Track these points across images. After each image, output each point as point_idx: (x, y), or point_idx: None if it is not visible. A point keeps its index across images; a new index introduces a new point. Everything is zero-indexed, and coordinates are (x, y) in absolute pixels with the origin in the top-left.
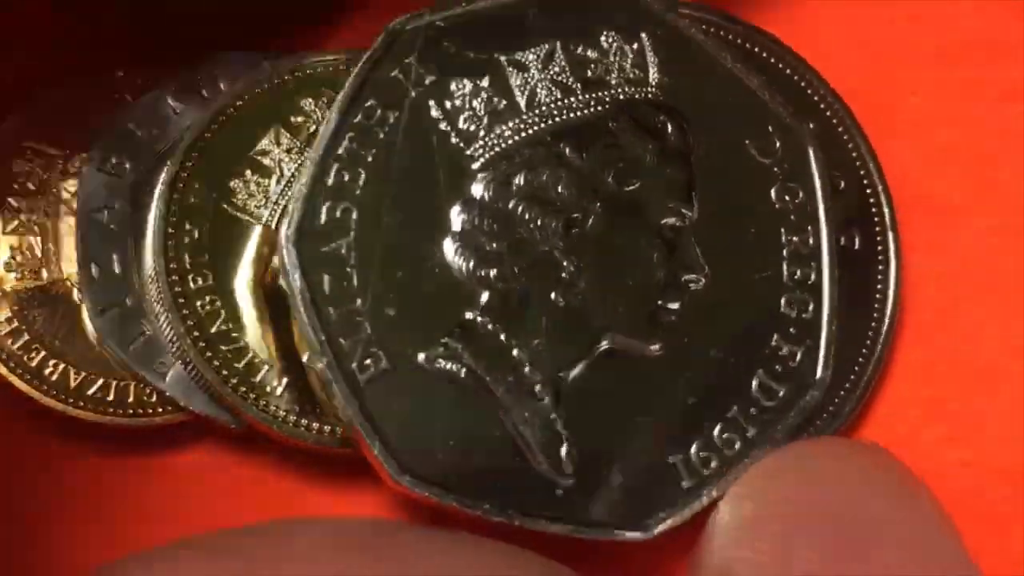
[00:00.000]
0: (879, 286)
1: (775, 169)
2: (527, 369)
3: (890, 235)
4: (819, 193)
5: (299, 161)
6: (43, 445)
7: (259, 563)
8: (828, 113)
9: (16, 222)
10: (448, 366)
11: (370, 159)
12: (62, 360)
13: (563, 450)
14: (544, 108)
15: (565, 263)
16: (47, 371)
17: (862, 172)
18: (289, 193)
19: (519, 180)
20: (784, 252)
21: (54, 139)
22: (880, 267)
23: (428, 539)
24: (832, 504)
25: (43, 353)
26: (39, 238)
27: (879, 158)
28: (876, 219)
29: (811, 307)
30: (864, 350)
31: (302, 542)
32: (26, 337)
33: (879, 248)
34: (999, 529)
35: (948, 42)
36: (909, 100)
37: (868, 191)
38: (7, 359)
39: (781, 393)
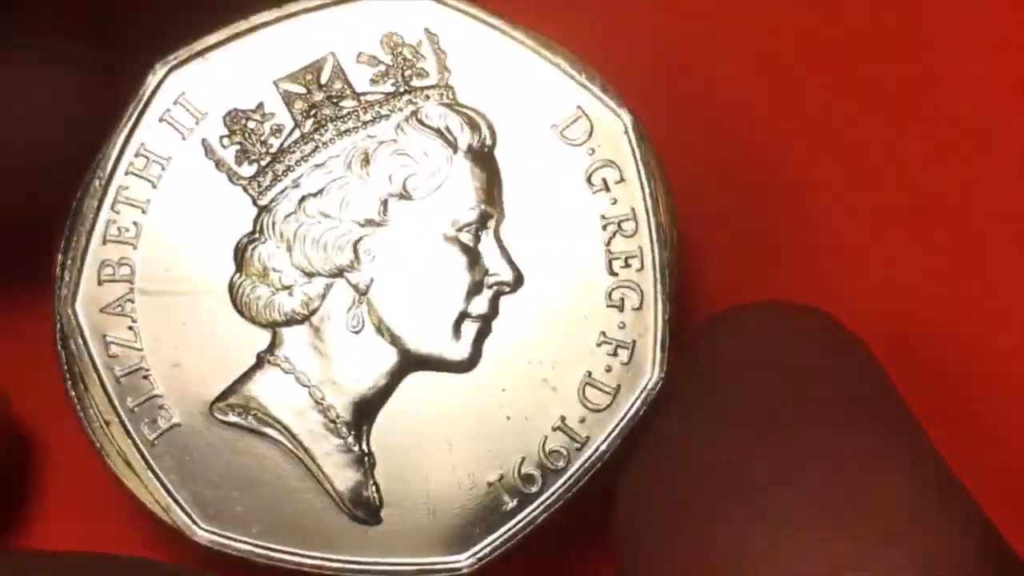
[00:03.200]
0: None
1: (587, 152)
2: (326, 404)
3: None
4: (638, 170)
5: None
6: None
7: None
8: None
9: None
10: (241, 414)
11: (144, 208)
12: None
13: (370, 488)
14: (324, 129)
15: (358, 282)
16: None
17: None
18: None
19: (305, 204)
20: (605, 240)
21: None
22: None
23: None
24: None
25: None
26: None
27: (879, 157)
28: None
29: (639, 299)
30: None
31: None
32: None
33: None
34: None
35: (948, 41)
36: (909, 99)
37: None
38: None
39: (611, 396)
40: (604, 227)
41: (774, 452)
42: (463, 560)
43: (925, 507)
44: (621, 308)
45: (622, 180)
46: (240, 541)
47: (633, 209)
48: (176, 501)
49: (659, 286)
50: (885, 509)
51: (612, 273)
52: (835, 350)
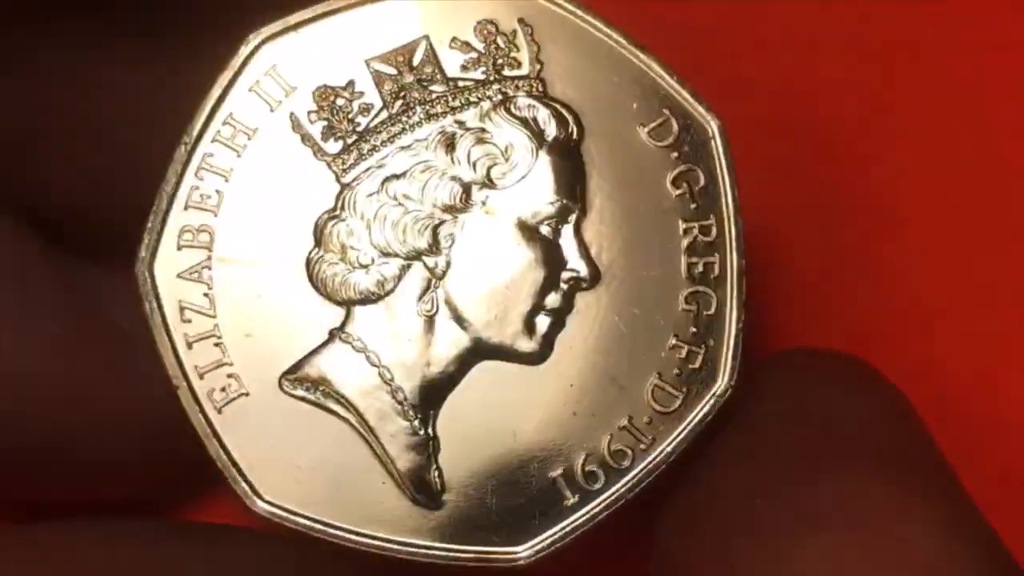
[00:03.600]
0: None
1: (672, 155)
2: (393, 387)
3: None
4: (723, 175)
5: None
6: None
7: None
8: None
9: None
10: (310, 389)
11: (227, 177)
12: None
13: (432, 473)
14: (412, 111)
15: (435, 267)
16: None
17: None
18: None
19: (388, 185)
20: (683, 244)
21: None
22: None
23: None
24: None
25: None
26: None
27: (879, 158)
28: None
29: (714, 304)
30: None
31: None
32: None
33: None
34: (998, 530)
35: (948, 41)
36: (909, 100)
37: None
38: None
39: (679, 400)
40: (685, 231)
41: (802, 498)
42: (521, 552)
43: (944, 550)
44: (696, 313)
45: (706, 185)
46: (299, 515)
47: (714, 215)
48: (239, 470)
49: (735, 294)
50: (903, 552)
51: (689, 277)
52: (870, 399)
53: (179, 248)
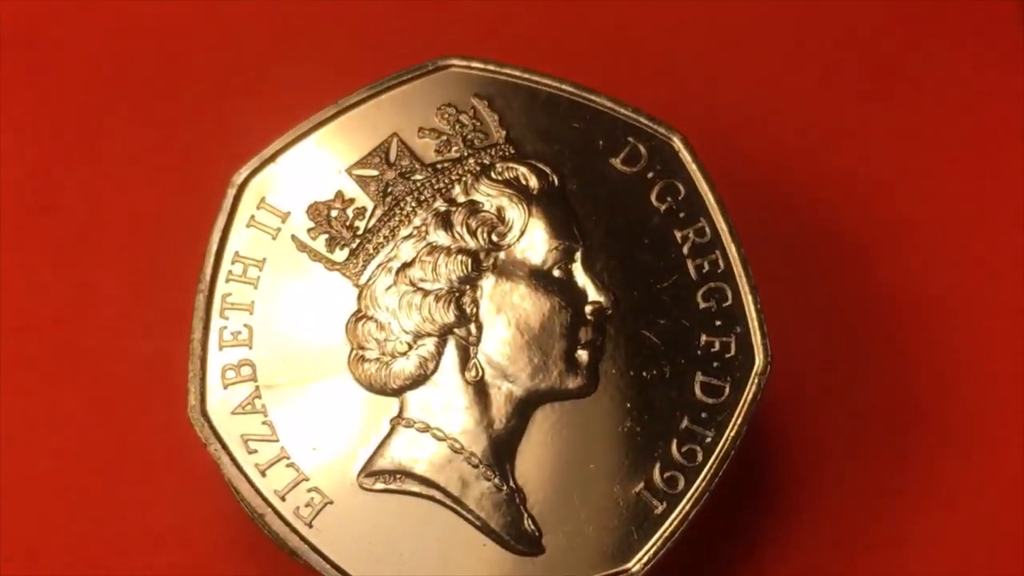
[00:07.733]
0: None
1: (648, 175)
2: (465, 454)
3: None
4: (700, 182)
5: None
6: None
7: None
8: None
9: None
10: (388, 480)
11: (251, 310)
12: None
13: (527, 522)
14: (402, 203)
15: (468, 335)
16: None
17: None
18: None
19: (401, 275)
20: (684, 250)
21: None
22: None
23: None
24: None
25: None
26: None
27: (878, 159)
28: None
29: (729, 294)
30: None
31: None
32: None
33: None
34: (999, 530)
35: (948, 42)
36: (909, 101)
37: None
38: None
39: (727, 388)
40: (682, 239)
41: None
42: (633, 567)
43: None
44: (716, 307)
45: (686, 194)
46: None
47: (703, 217)
48: (345, 574)
49: (744, 279)
50: None
51: (699, 277)
52: None
53: (225, 387)
